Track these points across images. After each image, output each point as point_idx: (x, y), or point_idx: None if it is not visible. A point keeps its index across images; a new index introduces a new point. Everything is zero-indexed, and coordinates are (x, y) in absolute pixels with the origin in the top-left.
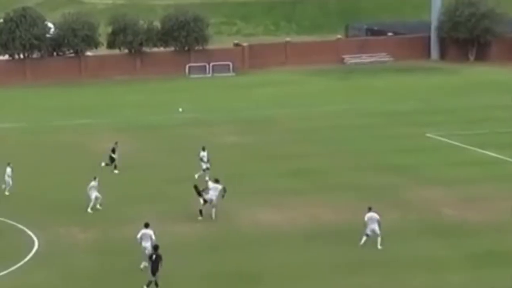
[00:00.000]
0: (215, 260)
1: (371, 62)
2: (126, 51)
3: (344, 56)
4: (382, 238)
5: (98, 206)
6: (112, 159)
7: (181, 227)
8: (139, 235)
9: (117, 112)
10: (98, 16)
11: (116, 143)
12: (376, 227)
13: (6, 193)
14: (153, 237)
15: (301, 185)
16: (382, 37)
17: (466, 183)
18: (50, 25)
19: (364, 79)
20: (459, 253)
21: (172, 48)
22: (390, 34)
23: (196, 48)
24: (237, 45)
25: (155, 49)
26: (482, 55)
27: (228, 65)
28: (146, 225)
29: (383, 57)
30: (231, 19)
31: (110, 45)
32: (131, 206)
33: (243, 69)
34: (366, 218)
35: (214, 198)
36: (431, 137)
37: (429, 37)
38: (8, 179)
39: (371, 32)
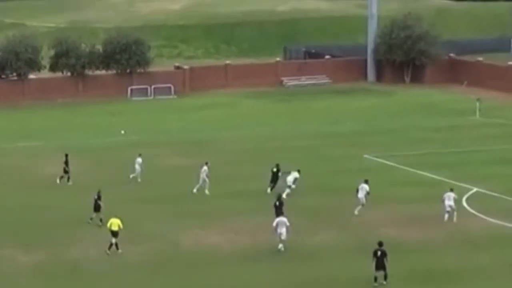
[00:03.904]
0: (156, 281)
1: (309, 84)
2: (69, 74)
3: (283, 78)
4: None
5: (206, 191)
6: None
7: (124, 248)
8: (274, 223)
9: (60, 134)
10: (41, 39)
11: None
12: (452, 203)
13: (139, 179)
14: (287, 223)
15: (242, 206)
16: (320, 60)
17: (404, 203)
18: None
19: (303, 101)
20: (399, 272)
21: (114, 71)
22: (327, 56)
23: (138, 70)
24: (178, 67)
25: (98, 72)
26: (417, 77)
27: (170, 87)
28: (282, 213)
29: (321, 79)
30: (172, 42)
31: (53, 68)
32: (75, 228)
33: (184, 91)
34: (444, 196)
35: (363, 197)
36: (369, 158)
37: (365, 60)
38: (138, 167)
39: (309, 54)
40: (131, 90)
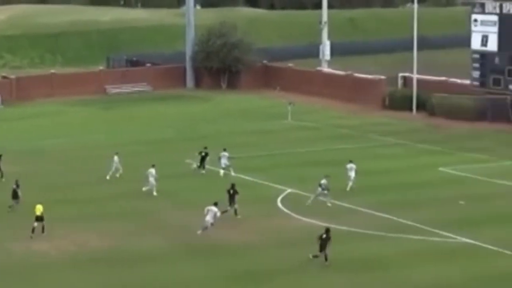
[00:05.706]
0: None
1: (132, 92)
2: None
3: (106, 87)
4: None
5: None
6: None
7: None
8: (206, 210)
9: None
10: None
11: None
12: (353, 174)
13: (117, 175)
14: (218, 214)
15: (69, 213)
16: (141, 68)
17: (223, 206)
18: None
19: (126, 108)
20: (218, 274)
21: None
22: (148, 64)
23: None
24: (4, 77)
25: None
26: (233, 83)
27: None
28: (215, 204)
29: (143, 87)
30: None
31: None
32: None
33: (11, 101)
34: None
35: None
36: (191, 163)
37: (184, 67)
38: (117, 165)
39: (131, 63)
40: None
